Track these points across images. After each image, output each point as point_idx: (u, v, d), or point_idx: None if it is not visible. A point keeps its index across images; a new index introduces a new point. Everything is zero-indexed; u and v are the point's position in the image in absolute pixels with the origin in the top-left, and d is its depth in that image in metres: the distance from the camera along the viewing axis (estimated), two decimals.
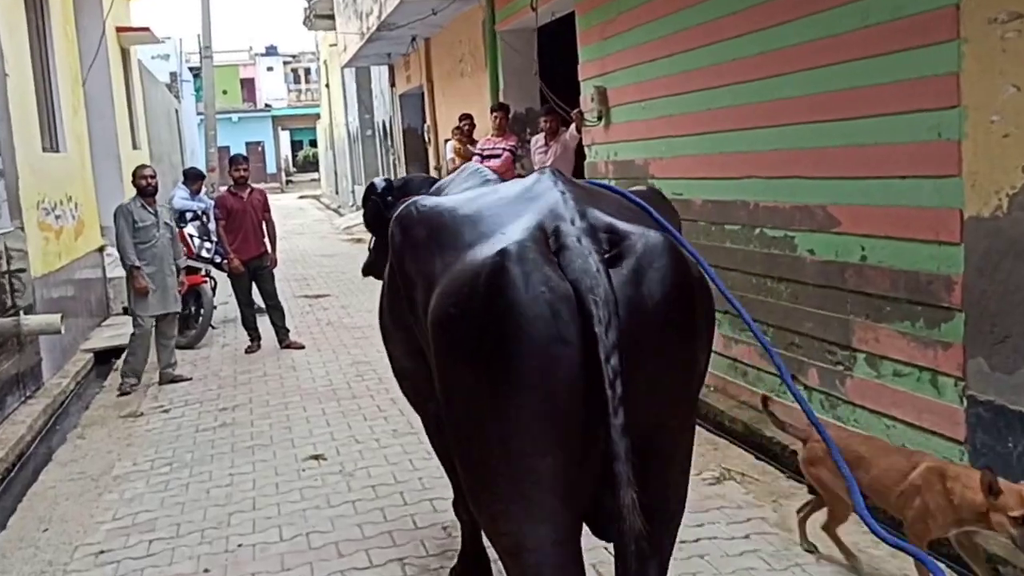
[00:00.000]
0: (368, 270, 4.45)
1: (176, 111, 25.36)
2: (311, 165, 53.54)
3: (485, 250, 2.18)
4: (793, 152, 5.15)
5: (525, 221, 2.23)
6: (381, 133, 20.94)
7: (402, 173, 18.51)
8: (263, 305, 8.71)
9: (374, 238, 4.20)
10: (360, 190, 27.12)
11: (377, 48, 15.48)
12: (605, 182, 3.63)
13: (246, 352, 8.36)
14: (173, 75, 27.68)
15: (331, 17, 22.97)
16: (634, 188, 3.04)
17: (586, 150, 8.26)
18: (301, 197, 40.34)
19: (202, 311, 8.91)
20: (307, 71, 58.79)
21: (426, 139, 15.32)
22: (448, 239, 2.39)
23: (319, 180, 45.59)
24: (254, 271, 8.51)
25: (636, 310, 2.09)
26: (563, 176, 2.50)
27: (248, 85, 57.33)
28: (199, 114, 27.35)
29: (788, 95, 5.08)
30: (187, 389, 7.19)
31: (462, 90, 12.67)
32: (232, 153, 8.89)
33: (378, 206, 3.91)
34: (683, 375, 2.28)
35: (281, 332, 8.62)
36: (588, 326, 2.01)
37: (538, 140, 9.19)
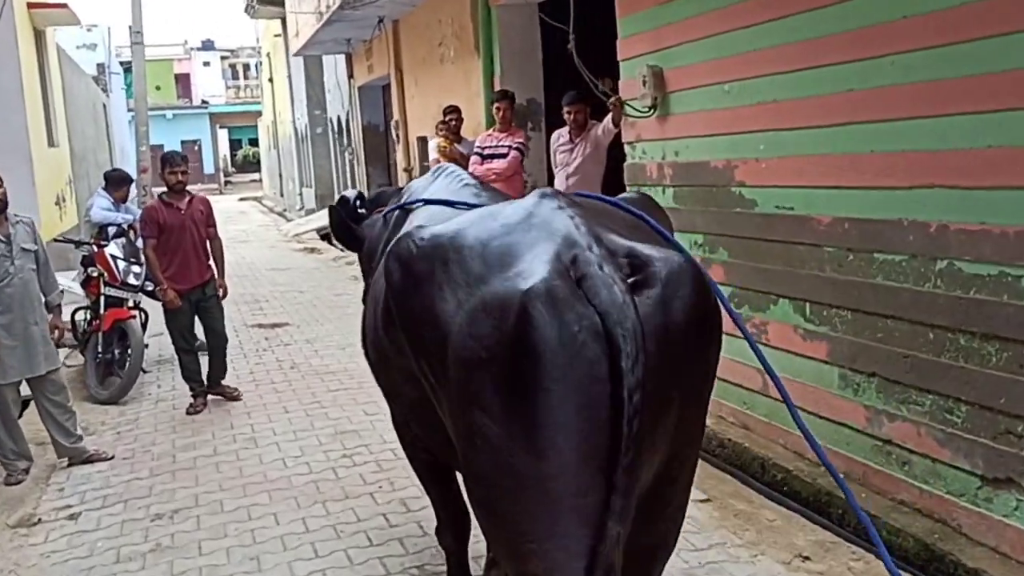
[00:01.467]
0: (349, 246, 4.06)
1: (104, 106, 22.99)
2: (251, 165, 51.37)
3: (507, 287, 2.07)
4: (1014, 151, 3.46)
5: (541, 251, 2.12)
6: (335, 131, 18.96)
7: (361, 175, 16.58)
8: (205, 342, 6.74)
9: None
10: (309, 193, 25.08)
11: (335, 32, 13.56)
12: (596, 193, 3.15)
13: (188, 413, 6.40)
14: (100, 66, 25.29)
15: (278, 2, 20.94)
16: (623, 196, 2.91)
17: (627, 148, 6.50)
18: (242, 199, 37.99)
19: (129, 354, 6.92)
20: (246, 66, 56.70)
21: (394, 137, 13.43)
22: (457, 275, 2.24)
23: (261, 181, 43.43)
24: (196, 304, 6.54)
25: (662, 341, 2.05)
26: (563, 196, 2.37)
27: (183, 81, 54.85)
28: (130, 111, 25.03)
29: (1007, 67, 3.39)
30: (107, 475, 5.23)
31: (442, 79, 10.82)
32: (162, 153, 6.89)
33: (346, 223, 3.84)
34: (698, 407, 2.30)
35: (215, 375, 6.71)
36: (615, 360, 1.96)
37: (560, 136, 7.40)
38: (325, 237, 15.93)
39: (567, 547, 2.03)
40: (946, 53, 3.69)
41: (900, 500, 4.18)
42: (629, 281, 2.07)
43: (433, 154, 8.87)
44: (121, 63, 31.48)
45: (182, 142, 41.77)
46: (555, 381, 1.98)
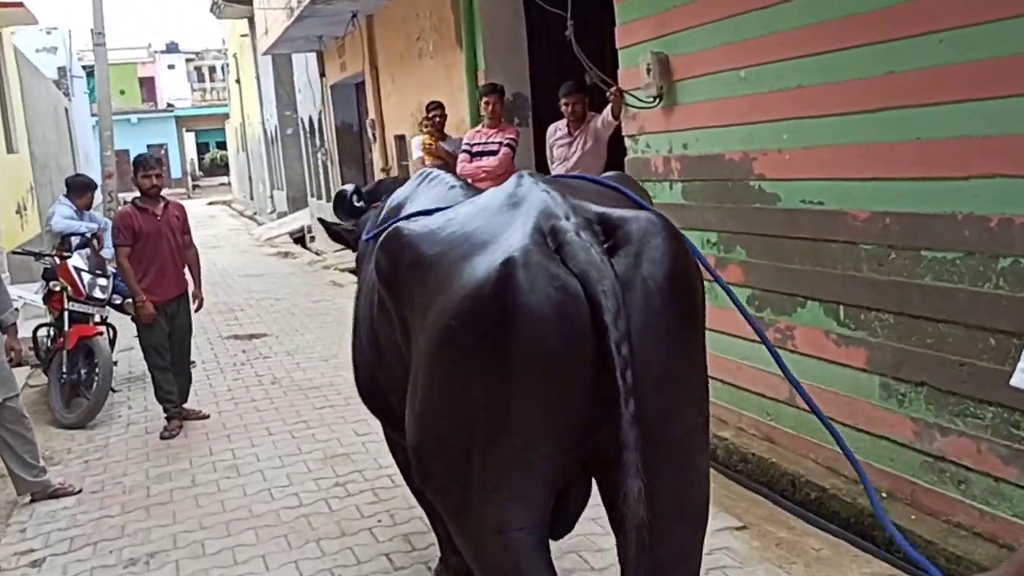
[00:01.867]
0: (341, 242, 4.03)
1: (66, 110, 22.27)
2: (219, 169, 50.62)
3: (485, 260, 2.11)
4: None
5: (520, 225, 2.17)
6: (307, 131, 18.41)
7: (336, 176, 16.06)
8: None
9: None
10: (280, 195, 24.49)
11: (306, 29, 13.04)
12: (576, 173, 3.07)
13: (162, 437, 5.90)
14: (61, 70, 24.56)
15: (245, 1, 20.34)
16: (610, 174, 2.98)
17: (628, 142, 6.09)
18: (210, 203, 37.28)
19: (96, 374, 6.41)
20: (212, 69, 55.84)
21: (370, 136, 12.95)
22: (442, 258, 2.25)
23: (230, 185, 42.70)
24: (171, 318, 6.04)
25: (642, 295, 2.07)
26: (541, 176, 2.46)
27: (148, 84, 53.83)
28: (94, 115, 24.31)
29: None
30: (74, 512, 4.73)
31: (421, 74, 10.36)
32: (134, 156, 6.38)
33: (338, 234, 3.88)
34: (690, 355, 2.24)
35: (179, 396, 6.18)
36: (598, 318, 1.98)
37: (558, 129, 6.98)
38: (298, 240, 15.52)
39: (522, 496, 2.11)
40: (1011, 27, 3.31)
41: (957, 523, 3.79)
42: (605, 245, 2.11)
43: (417, 152, 8.41)
44: (84, 67, 30.74)
45: (148, 146, 40.92)
46: (538, 342, 2.01)
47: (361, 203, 3.79)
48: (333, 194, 4.19)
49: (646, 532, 1.97)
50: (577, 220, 2.13)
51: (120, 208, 6.15)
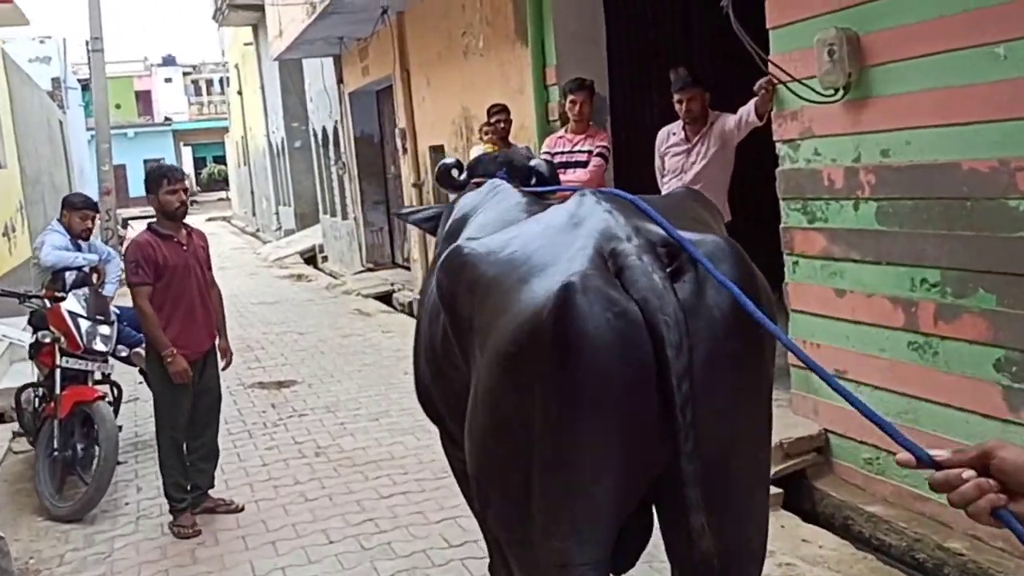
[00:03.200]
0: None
1: (60, 123, 20.88)
2: (217, 184, 49.35)
3: (544, 283, 2.05)
4: None
5: (579, 247, 2.10)
6: (319, 143, 17.03)
7: (354, 191, 14.70)
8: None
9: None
10: (287, 212, 23.15)
11: (328, 29, 11.69)
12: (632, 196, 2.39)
13: (177, 535, 4.49)
14: (56, 81, 23.19)
15: (251, 7, 19.04)
16: (675, 192, 3.13)
17: (782, 149, 4.73)
18: (209, 219, 35.76)
19: (98, 449, 5.00)
20: (209, 82, 54.84)
21: (399, 147, 11.57)
22: (502, 279, 2.19)
23: (229, 200, 41.33)
24: (196, 378, 4.63)
25: (706, 324, 2.00)
26: (605, 194, 2.34)
27: (144, 98, 52.74)
28: (90, 129, 22.99)
29: None
30: None
31: (467, 75, 9.01)
32: (150, 166, 4.99)
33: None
34: (755, 390, 2.17)
35: (204, 482, 4.82)
36: (659, 348, 1.91)
37: (671, 134, 5.64)
38: (309, 260, 13.91)
39: (584, 532, 2.02)
40: None
41: None
42: (668, 269, 2.02)
43: None
44: (79, 80, 29.44)
45: (145, 161, 39.55)
46: (589, 372, 1.94)
47: (463, 176, 3.66)
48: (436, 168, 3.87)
49: (713, 565, 1.91)
50: (639, 242, 2.04)
51: (137, 236, 4.70)
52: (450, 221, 3.19)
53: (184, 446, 4.65)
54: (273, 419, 6.48)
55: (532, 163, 3.77)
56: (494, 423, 2.14)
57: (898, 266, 4.10)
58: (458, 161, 3.80)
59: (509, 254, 2.24)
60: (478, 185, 3.49)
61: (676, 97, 5.46)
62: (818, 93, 4.31)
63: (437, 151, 10.38)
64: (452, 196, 3.71)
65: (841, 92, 4.22)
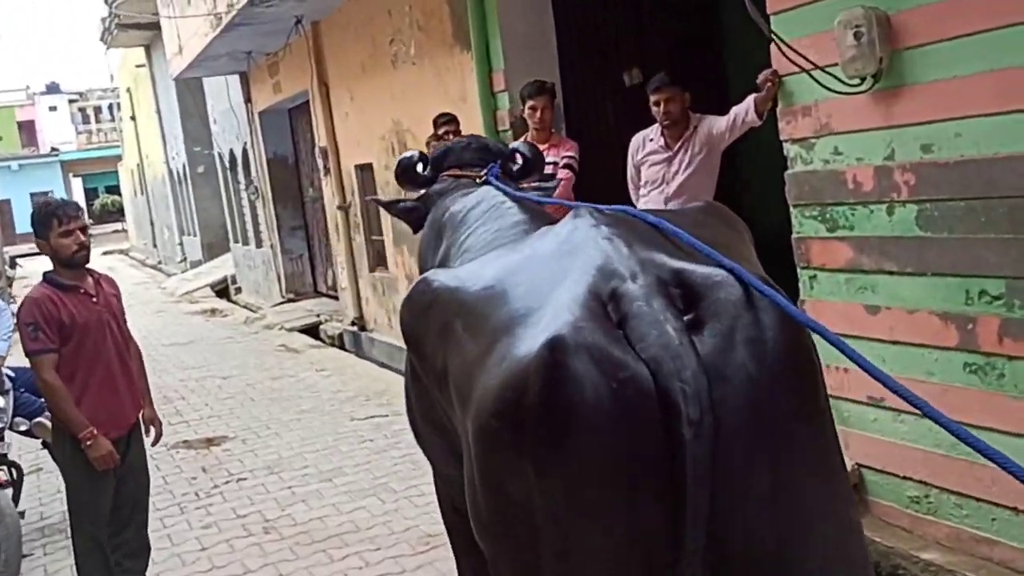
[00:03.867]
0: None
1: None
2: (111, 215, 47.22)
3: (528, 337, 1.65)
4: None
5: (571, 287, 1.69)
6: (227, 167, 15.99)
7: (269, 216, 13.75)
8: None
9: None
10: (192, 242, 21.91)
11: (234, 42, 10.79)
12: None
13: None
14: None
15: (142, 26, 17.86)
16: (692, 206, 2.53)
17: (792, 150, 4.18)
18: (106, 253, 33.93)
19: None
20: (98, 109, 52.47)
21: (320, 167, 10.74)
22: (477, 324, 1.83)
23: (125, 232, 39.40)
24: (121, 457, 3.78)
25: (740, 390, 1.55)
26: (603, 214, 1.89)
27: (28, 128, 50.19)
28: None
29: None
30: None
31: (397, 86, 8.29)
32: (38, 201, 4.13)
33: (407, 209, 3.28)
34: (813, 465, 1.63)
35: None
36: (674, 425, 1.50)
37: (646, 139, 5.03)
38: (221, 293, 12.79)
39: None
40: None
41: None
42: (686, 318, 1.61)
43: None
44: None
45: (32, 195, 37.40)
46: (596, 453, 1.56)
47: (428, 171, 3.26)
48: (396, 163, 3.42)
49: None
50: (646, 281, 1.63)
51: (32, 291, 3.76)
52: (446, 231, 2.81)
53: (104, 546, 3.77)
54: (206, 487, 5.61)
55: (513, 145, 3.42)
56: (494, 504, 1.77)
57: (948, 277, 3.56)
58: (421, 154, 3.39)
59: (485, 292, 1.89)
60: (456, 178, 3.16)
61: (652, 99, 4.86)
62: (843, 83, 3.76)
63: (365, 170, 9.62)
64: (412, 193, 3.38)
65: (870, 81, 3.67)
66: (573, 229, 1.87)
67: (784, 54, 3.86)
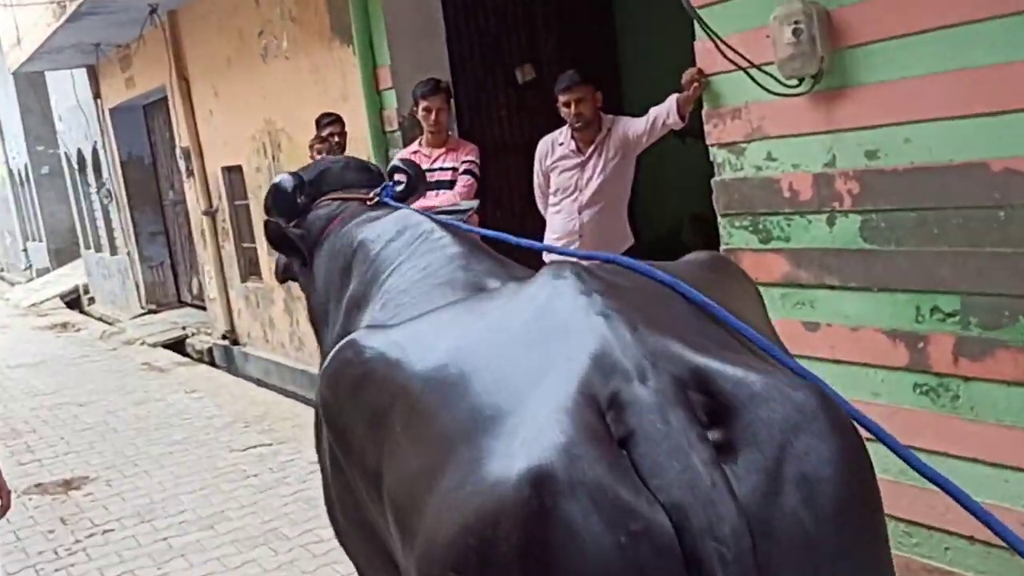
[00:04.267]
0: (285, 273, 2.99)
1: None
2: None
3: (500, 456, 1.19)
4: None
5: (556, 385, 1.22)
6: (75, 168, 14.77)
7: (124, 221, 12.75)
8: None
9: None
10: (37, 248, 20.35)
11: (80, 34, 9.84)
12: (631, 260, 1.64)
13: None
14: None
15: None
16: (690, 257, 1.87)
17: (719, 155, 3.89)
18: None
19: None
20: None
21: (183, 170, 9.92)
22: (424, 418, 1.36)
23: None
24: None
25: (795, 546, 1.14)
26: (589, 271, 1.44)
27: None
28: None
29: None
30: None
31: (267, 82, 7.66)
32: None
33: (286, 238, 2.72)
34: None
35: None
36: None
37: (555, 144, 4.65)
38: (73, 304, 11.69)
39: None
40: None
41: None
42: (713, 436, 1.18)
43: None
44: None
45: None
46: None
47: (304, 198, 2.82)
48: (269, 188, 2.93)
49: None
50: (660, 384, 1.18)
51: None
52: (357, 265, 2.35)
53: None
54: (67, 542, 4.89)
55: (393, 163, 3.02)
56: None
57: (896, 292, 3.34)
58: (298, 176, 2.90)
59: (436, 374, 1.39)
60: (344, 200, 2.78)
61: (562, 99, 4.48)
62: (779, 83, 3.48)
63: (233, 172, 8.91)
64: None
65: (810, 82, 3.40)
66: (554, 294, 1.40)
67: (721, 51, 3.53)
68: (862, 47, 3.26)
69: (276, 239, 2.77)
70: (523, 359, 1.31)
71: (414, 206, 2.88)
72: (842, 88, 3.35)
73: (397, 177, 2.91)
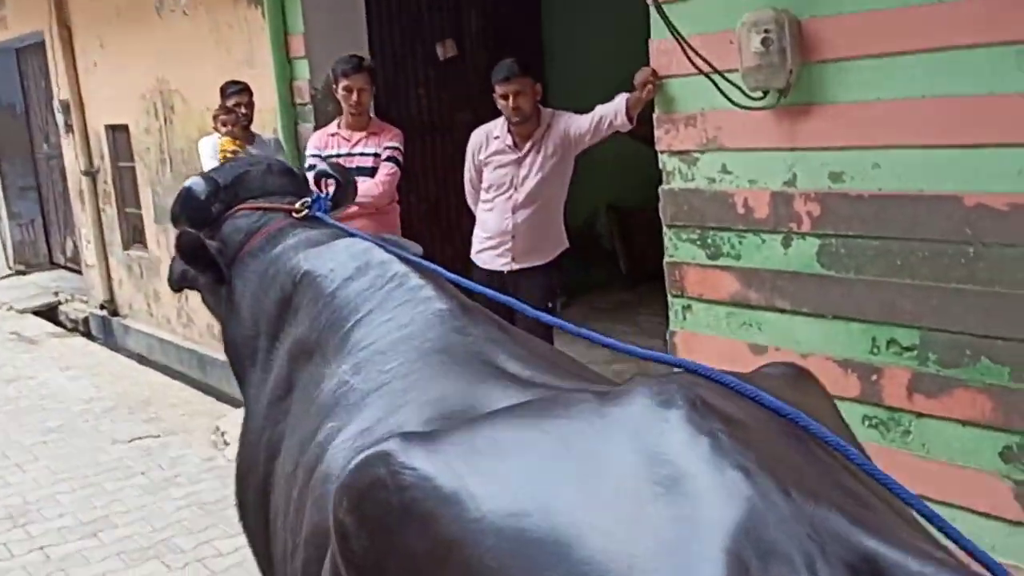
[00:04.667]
0: (182, 281, 2.67)
1: None
2: None
3: None
4: None
5: (692, 565, 0.91)
6: None
7: None
8: None
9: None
10: None
11: None
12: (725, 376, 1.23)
13: None
14: None
15: None
16: (765, 368, 1.46)
17: (668, 162, 3.69)
18: None
19: None
20: None
21: (62, 125, 9.13)
22: None
23: None
24: None
25: None
26: (701, 396, 1.07)
27: None
28: None
29: None
30: None
31: (163, 40, 7.04)
32: None
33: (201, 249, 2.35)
34: None
35: None
36: None
37: (491, 137, 4.34)
38: None
39: None
40: None
41: None
42: None
43: (212, 164, 5.27)
44: None
45: None
46: None
47: (219, 205, 2.49)
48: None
49: None
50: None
51: None
52: (303, 302, 2.02)
53: None
54: None
55: (320, 168, 2.74)
56: None
57: (852, 321, 3.22)
58: (212, 180, 2.56)
59: (517, 521, 1.03)
60: (265, 211, 2.47)
61: (499, 91, 4.17)
62: (744, 94, 3.28)
63: (118, 131, 8.24)
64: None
65: (775, 95, 3.22)
66: (666, 429, 1.06)
67: (687, 54, 3.30)
68: (835, 63, 3.10)
69: (190, 252, 2.38)
70: (638, 520, 0.99)
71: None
72: (810, 104, 3.19)
73: (325, 183, 2.59)
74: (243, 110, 5.25)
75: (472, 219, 4.53)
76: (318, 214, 2.44)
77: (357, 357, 1.69)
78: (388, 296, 1.82)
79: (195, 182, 2.53)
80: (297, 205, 2.44)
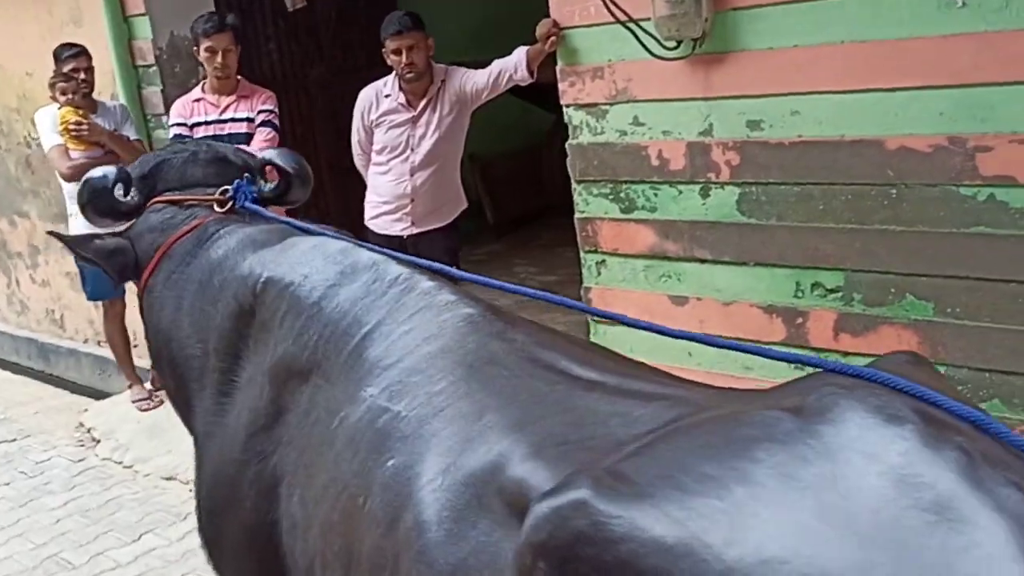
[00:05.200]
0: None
1: None
2: None
3: None
4: None
5: None
6: None
7: None
8: None
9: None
10: None
11: None
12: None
13: None
14: None
15: None
16: (889, 357, 1.29)
17: (574, 116, 3.59)
18: None
19: None
20: None
21: None
22: None
23: None
24: None
25: None
26: (926, 410, 0.98)
27: None
28: None
29: None
30: None
31: None
32: None
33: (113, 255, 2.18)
34: None
35: None
36: None
37: (381, 95, 4.09)
38: None
39: None
40: None
41: None
42: None
43: (53, 135, 4.72)
44: None
45: None
46: None
47: (131, 198, 2.23)
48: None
49: None
50: None
51: None
52: (267, 314, 1.79)
53: None
54: None
55: (267, 155, 2.38)
56: None
57: (775, 267, 3.25)
58: (123, 172, 2.25)
59: None
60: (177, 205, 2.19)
61: (391, 45, 3.91)
62: (658, 42, 3.20)
63: None
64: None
65: (690, 44, 3.16)
66: (906, 445, 0.93)
67: (606, 3, 3.18)
68: (750, 10, 3.06)
69: (81, 255, 2.20)
70: (919, 552, 0.86)
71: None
72: (725, 53, 3.14)
73: (265, 172, 2.31)
74: (82, 76, 4.74)
75: (343, 181, 4.29)
76: (247, 205, 2.18)
77: (386, 379, 1.47)
78: (398, 304, 1.60)
79: (103, 172, 2.21)
80: (217, 195, 2.17)
